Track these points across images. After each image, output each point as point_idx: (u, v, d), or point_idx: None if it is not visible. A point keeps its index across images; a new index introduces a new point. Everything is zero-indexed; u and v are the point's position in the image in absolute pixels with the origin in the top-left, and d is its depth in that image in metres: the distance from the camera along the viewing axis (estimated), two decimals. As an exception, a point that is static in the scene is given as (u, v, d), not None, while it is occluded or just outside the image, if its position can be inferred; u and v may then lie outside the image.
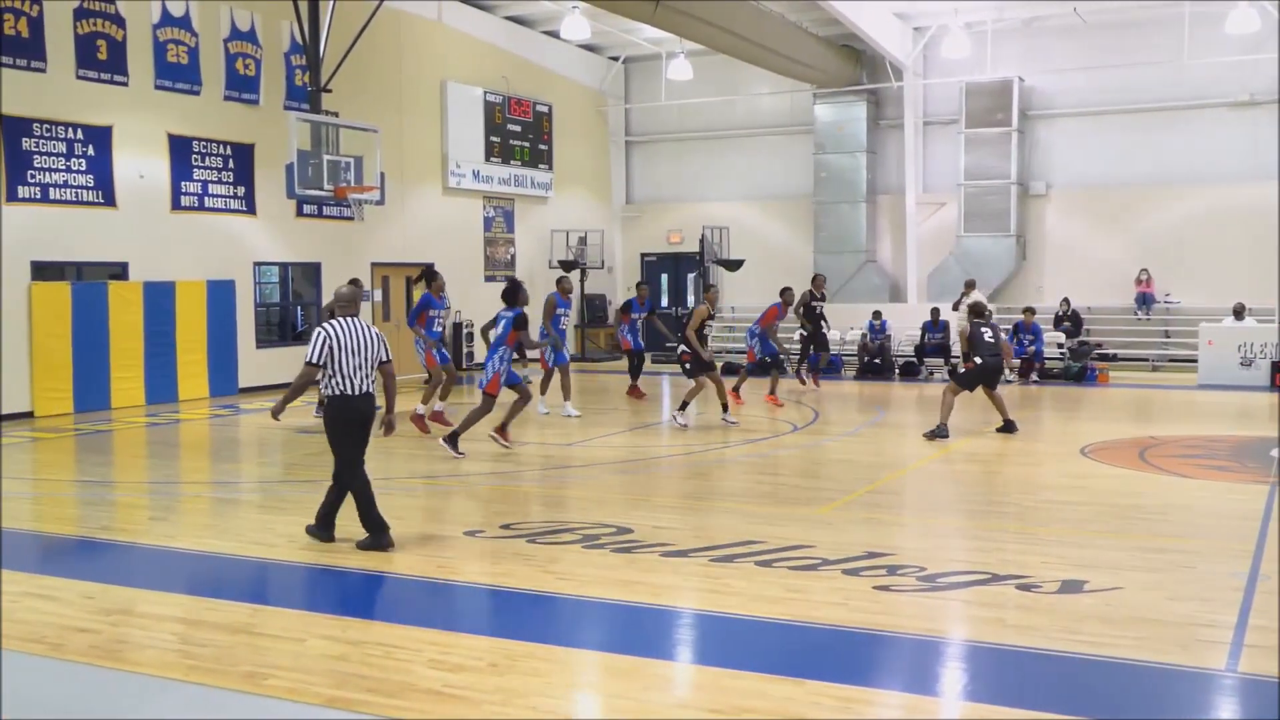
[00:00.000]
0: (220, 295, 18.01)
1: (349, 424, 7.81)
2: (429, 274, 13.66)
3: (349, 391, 7.73)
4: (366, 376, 7.78)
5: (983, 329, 12.87)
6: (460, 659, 5.53)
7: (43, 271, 16.03)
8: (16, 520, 8.95)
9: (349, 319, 7.87)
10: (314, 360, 7.68)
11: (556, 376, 15.19)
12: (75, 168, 16.29)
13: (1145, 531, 8.29)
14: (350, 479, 7.85)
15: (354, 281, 13.84)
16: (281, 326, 20.51)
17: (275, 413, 8.13)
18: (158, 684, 5.30)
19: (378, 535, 7.81)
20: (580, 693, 5.33)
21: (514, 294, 11.74)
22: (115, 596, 6.78)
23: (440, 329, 13.81)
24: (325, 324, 7.83)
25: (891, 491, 10.22)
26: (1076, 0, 22.28)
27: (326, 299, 20.18)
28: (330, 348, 7.66)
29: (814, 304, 18.92)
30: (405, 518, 8.94)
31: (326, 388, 7.80)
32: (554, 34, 25.41)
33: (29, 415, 15.50)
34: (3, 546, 7.87)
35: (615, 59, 28.12)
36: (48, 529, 8.96)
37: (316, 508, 8.06)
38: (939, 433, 12.52)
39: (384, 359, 7.95)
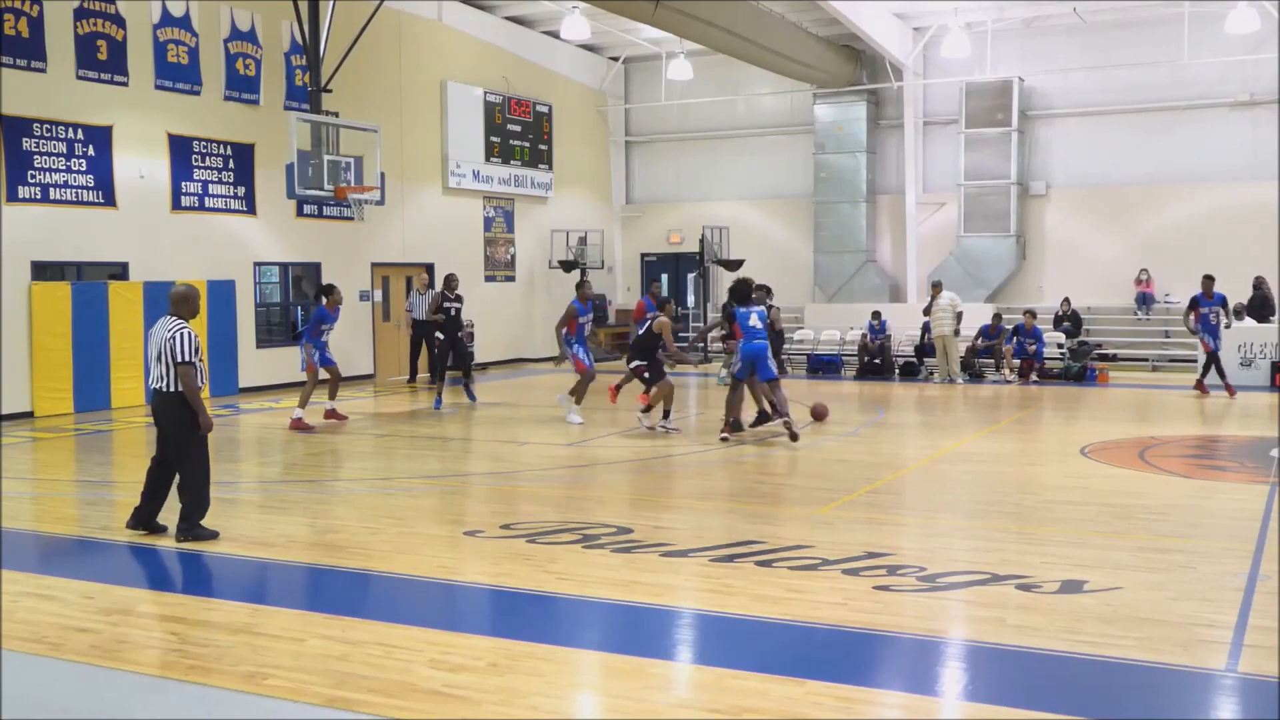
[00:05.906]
0: (220, 295, 18.00)
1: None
2: (327, 289, 14.87)
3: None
4: (159, 376, 8.17)
5: None
6: (460, 659, 5.53)
7: (43, 271, 16.03)
8: (16, 520, 8.95)
9: (164, 318, 8.28)
10: None
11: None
12: (75, 168, 16.28)
13: (1145, 531, 8.29)
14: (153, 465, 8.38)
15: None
16: (282, 326, 20.48)
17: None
18: (158, 684, 5.30)
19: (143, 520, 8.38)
20: (580, 693, 5.32)
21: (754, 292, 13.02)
22: (115, 596, 6.78)
23: (326, 339, 14.74)
24: None
25: (891, 491, 10.21)
26: (1076, 0, 22.29)
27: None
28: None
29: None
30: (405, 518, 8.95)
31: None
32: (554, 34, 25.41)
33: (29, 415, 15.51)
34: (3, 546, 7.88)
35: (615, 59, 28.12)
36: (48, 529, 8.96)
37: (315, 507, 8.04)
38: None
39: (178, 360, 8.13)
